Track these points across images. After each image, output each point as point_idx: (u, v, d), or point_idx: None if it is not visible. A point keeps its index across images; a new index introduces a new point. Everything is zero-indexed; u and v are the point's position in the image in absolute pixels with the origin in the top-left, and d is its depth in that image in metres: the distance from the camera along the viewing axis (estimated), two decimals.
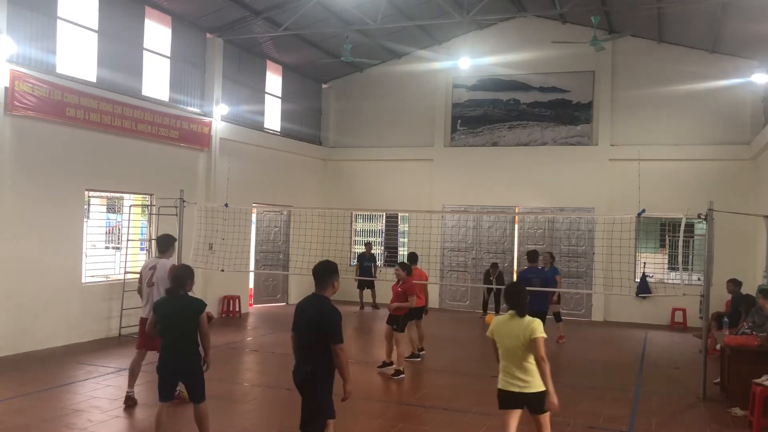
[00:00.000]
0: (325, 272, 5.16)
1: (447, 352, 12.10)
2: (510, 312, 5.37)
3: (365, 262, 17.08)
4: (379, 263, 18.24)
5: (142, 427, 7.05)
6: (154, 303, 6.21)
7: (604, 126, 16.78)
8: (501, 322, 5.38)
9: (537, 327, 5.19)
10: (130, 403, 7.59)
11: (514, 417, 5.28)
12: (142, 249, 13.98)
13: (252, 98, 16.59)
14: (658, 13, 14.44)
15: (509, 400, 5.26)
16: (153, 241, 12.72)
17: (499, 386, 5.31)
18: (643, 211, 10.06)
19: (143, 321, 7.62)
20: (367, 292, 17.27)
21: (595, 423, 7.58)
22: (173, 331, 5.83)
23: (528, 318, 5.27)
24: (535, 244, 17.00)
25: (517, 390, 5.20)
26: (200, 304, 5.95)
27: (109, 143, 12.13)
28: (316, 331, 5.02)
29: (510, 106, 17.72)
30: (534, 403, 5.22)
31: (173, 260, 7.92)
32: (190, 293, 6.05)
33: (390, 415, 7.84)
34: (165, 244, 7.88)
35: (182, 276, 5.94)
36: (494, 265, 16.24)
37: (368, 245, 17.45)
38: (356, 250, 19.12)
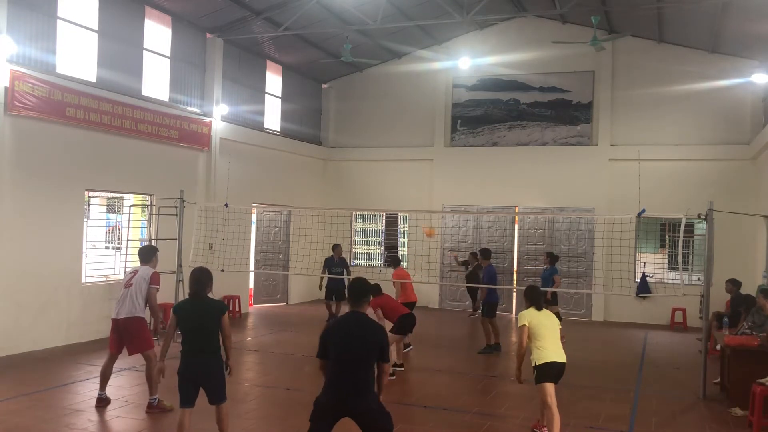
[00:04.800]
0: (364, 291, 5.03)
1: (447, 352, 12.11)
2: (533, 307, 6.62)
3: (333, 267, 14.10)
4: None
5: (142, 428, 7.05)
6: (174, 305, 6.21)
7: (604, 126, 16.78)
8: (535, 315, 6.55)
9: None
10: (102, 404, 7.67)
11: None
12: None
13: (252, 98, 16.59)
14: (658, 13, 14.44)
15: (558, 371, 6.49)
16: (153, 242, 12.74)
17: (553, 359, 6.41)
18: (643, 211, 10.08)
19: (114, 322, 7.67)
20: (337, 303, 13.98)
21: (595, 423, 7.58)
22: (195, 333, 5.84)
23: (549, 311, 6.77)
24: (535, 244, 17.04)
25: (563, 360, 6.50)
26: (222, 306, 6.08)
27: (109, 143, 12.12)
28: (372, 351, 4.83)
29: (510, 106, 17.72)
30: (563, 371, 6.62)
31: (156, 268, 7.94)
32: (210, 295, 6.09)
33: None
34: (147, 254, 8.00)
35: (204, 279, 5.96)
36: (473, 255, 15.89)
37: (336, 248, 14.32)
38: (356, 250, 19.13)
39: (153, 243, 12.18)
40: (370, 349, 4.81)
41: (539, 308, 6.61)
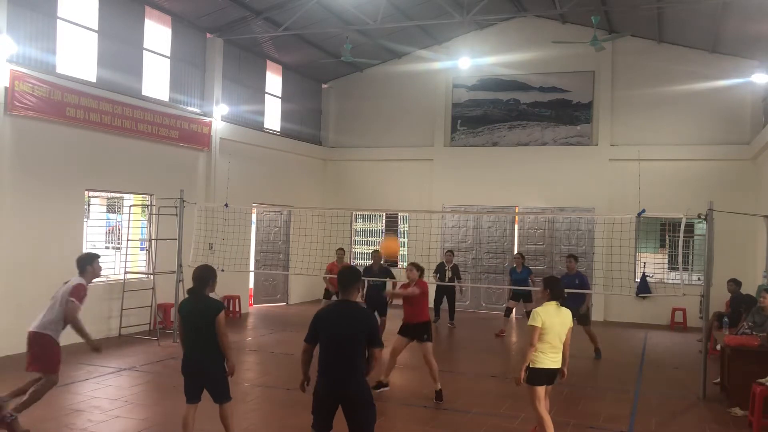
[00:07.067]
0: (354, 278, 5.15)
1: (447, 352, 12.10)
2: (555, 303, 6.30)
3: (372, 279, 11.96)
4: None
5: (142, 428, 7.05)
6: (180, 303, 6.04)
7: (604, 126, 16.78)
8: (550, 316, 6.21)
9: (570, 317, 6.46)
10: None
11: (545, 390, 6.47)
12: (142, 249, 13.97)
13: (252, 98, 16.59)
14: (658, 13, 14.44)
15: (551, 376, 6.35)
16: (153, 242, 12.77)
17: (548, 366, 6.24)
18: (643, 211, 10.08)
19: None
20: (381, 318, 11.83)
21: (595, 423, 7.58)
22: (194, 331, 5.85)
23: (565, 309, 6.37)
24: (535, 244, 17.04)
25: (557, 366, 6.33)
26: (218, 305, 5.95)
27: (109, 143, 12.12)
28: (361, 336, 4.94)
29: (510, 106, 17.72)
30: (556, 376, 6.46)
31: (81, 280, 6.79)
32: (212, 294, 6.05)
33: (390, 415, 7.83)
34: (81, 263, 6.87)
35: (205, 277, 5.94)
36: (450, 253, 15.25)
37: (375, 254, 12.28)
38: (356, 250, 19.11)
39: (153, 243, 12.15)
40: (359, 334, 4.95)
41: (562, 303, 6.32)
